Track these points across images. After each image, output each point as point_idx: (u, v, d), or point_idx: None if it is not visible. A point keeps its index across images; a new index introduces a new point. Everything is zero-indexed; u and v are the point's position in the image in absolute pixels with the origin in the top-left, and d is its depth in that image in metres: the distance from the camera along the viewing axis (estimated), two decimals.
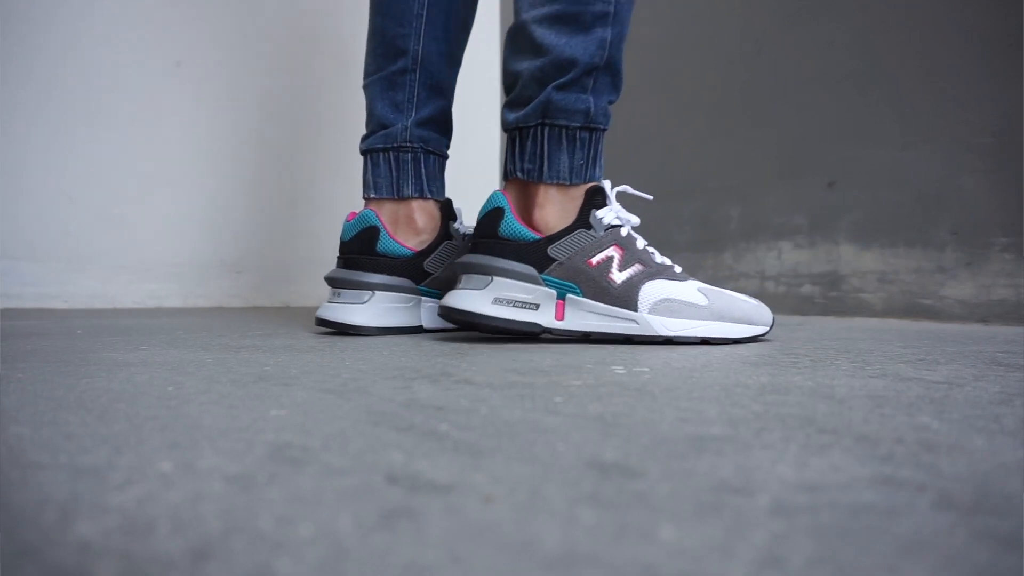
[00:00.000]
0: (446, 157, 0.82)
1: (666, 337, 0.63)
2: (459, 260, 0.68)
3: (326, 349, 0.58)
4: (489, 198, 0.68)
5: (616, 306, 0.64)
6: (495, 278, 0.65)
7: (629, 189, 0.70)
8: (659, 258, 0.68)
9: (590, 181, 0.67)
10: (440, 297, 0.73)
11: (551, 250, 0.65)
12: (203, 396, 0.35)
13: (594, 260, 0.65)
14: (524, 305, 0.65)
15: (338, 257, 0.76)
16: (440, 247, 0.76)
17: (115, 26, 1.34)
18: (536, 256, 0.65)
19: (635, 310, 0.64)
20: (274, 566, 0.15)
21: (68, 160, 1.29)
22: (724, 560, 0.16)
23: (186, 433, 0.27)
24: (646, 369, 0.46)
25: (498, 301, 0.64)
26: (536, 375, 0.43)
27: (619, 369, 0.46)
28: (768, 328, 0.66)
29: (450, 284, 0.70)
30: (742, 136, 1.31)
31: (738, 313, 0.65)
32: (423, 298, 0.76)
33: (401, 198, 0.78)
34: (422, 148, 0.78)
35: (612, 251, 0.65)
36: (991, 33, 1.00)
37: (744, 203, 1.31)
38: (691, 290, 0.65)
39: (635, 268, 0.65)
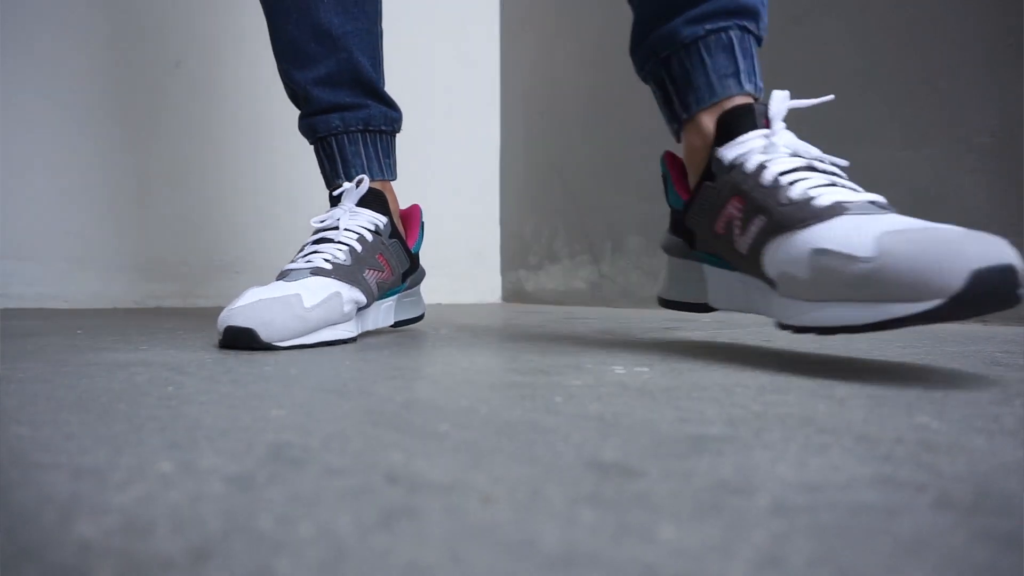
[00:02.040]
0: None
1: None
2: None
3: (326, 349, 0.58)
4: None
5: (750, 275, 0.48)
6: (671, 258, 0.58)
7: (793, 103, 0.52)
8: (801, 187, 0.44)
9: (733, 94, 0.51)
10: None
11: (688, 221, 0.53)
12: (203, 396, 0.35)
13: (719, 226, 0.49)
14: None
15: None
16: None
17: (115, 26, 1.34)
18: (681, 230, 0.55)
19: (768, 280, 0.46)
20: (274, 566, 0.15)
21: (68, 160, 1.29)
22: (724, 560, 0.16)
23: (186, 433, 0.27)
24: (646, 369, 0.46)
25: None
26: (536, 375, 0.43)
27: (619, 369, 0.46)
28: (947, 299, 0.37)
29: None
30: None
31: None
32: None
33: None
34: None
35: (731, 207, 0.47)
36: (991, 33, 1.00)
37: None
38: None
39: (757, 224, 0.45)
